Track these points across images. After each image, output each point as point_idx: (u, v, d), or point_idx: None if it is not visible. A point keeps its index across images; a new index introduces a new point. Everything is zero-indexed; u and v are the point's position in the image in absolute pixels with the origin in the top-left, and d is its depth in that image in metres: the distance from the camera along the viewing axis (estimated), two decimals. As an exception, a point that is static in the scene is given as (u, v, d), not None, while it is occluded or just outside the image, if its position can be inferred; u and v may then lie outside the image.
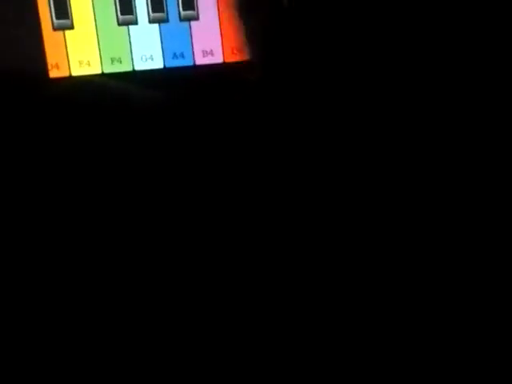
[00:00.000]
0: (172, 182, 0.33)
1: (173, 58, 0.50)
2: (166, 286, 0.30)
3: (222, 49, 0.50)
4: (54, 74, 0.49)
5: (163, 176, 0.33)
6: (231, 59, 0.50)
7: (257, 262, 0.30)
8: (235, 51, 0.49)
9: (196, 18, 0.49)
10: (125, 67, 0.49)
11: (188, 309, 0.30)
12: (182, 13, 0.49)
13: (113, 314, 0.30)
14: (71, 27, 0.48)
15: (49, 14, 0.48)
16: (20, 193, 0.31)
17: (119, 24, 0.49)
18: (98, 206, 0.31)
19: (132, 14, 0.49)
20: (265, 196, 0.32)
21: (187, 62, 0.50)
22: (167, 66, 0.50)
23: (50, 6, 0.47)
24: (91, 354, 0.30)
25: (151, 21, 0.49)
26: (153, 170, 0.34)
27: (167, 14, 0.49)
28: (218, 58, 0.50)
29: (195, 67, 0.50)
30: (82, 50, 0.49)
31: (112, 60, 0.49)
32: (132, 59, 0.49)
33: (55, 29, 0.48)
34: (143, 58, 0.49)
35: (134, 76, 0.49)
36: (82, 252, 0.30)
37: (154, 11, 0.49)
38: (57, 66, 0.49)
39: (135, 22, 0.49)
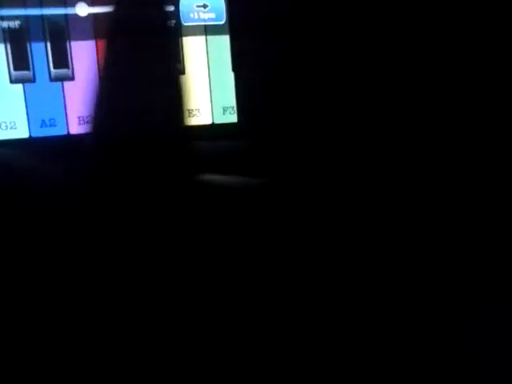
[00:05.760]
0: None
1: (41, 126, 0.40)
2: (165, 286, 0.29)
3: (104, 115, 0.41)
4: None
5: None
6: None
7: (256, 263, 0.30)
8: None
9: (71, 78, 0.40)
10: (-22, 137, 0.39)
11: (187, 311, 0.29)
12: (53, 71, 0.40)
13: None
14: None
15: None
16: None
17: (-29, 83, 0.39)
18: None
19: (-12, 71, 0.39)
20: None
21: (59, 131, 0.41)
22: (33, 135, 0.40)
23: None
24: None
25: (13, 80, 0.40)
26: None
27: (33, 72, 0.40)
28: (98, 127, 0.41)
29: (69, 137, 0.41)
30: None
31: (-39, 128, 0.39)
32: (-13, 127, 0.39)
33: None
34: (3, 125, 0.40)
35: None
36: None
37: (16, 68, 0.40)
38: None
39: (-8, 82, 0.39)
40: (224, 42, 0.42)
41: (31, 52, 0.40)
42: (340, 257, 0.30)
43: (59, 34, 0.40)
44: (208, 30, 0.42)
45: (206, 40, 0.42)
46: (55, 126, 0.40)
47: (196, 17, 0.42)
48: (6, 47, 0.39)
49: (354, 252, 0.30)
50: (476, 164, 0.30)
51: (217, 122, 0.43)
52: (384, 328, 0.29)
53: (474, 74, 0.29)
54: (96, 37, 0.40)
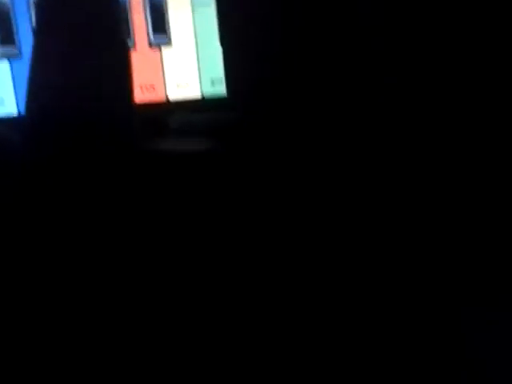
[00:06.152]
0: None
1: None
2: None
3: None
4: None
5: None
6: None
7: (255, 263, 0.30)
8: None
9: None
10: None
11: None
12: (40, 46, 0.40)
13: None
14: None
15: None
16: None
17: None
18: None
19: (-28, 47, 0.39)
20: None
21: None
22: (23, 112, 0.40)
23: None
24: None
25: (-1, 56, 0.39)
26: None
27: (20, 47, 0.39)
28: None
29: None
30: None
31: None
32: (-26, 105, 0.39)
33: None
34: (-10, 102, 0.40)
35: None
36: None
37: (2, 43, 0.39)
38: None
39: (-23, 58, 0.39)
40: (211, 14, 0.41)
41: (17, 27, 0.39)
42: (340, 255, 0.30)
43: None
44: (194, 3, 0.41)
45: (193, 12, 0.41)
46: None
47: (184, -12, 0.41)
48: (-11, 21, 0.39)
49: (354, 250, 0.30)
50: (477, 164, 0.30)
51: (206, 93, 0.43)
52: (383, 328, 0.29)
53: (475, 73, 0.29)
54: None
